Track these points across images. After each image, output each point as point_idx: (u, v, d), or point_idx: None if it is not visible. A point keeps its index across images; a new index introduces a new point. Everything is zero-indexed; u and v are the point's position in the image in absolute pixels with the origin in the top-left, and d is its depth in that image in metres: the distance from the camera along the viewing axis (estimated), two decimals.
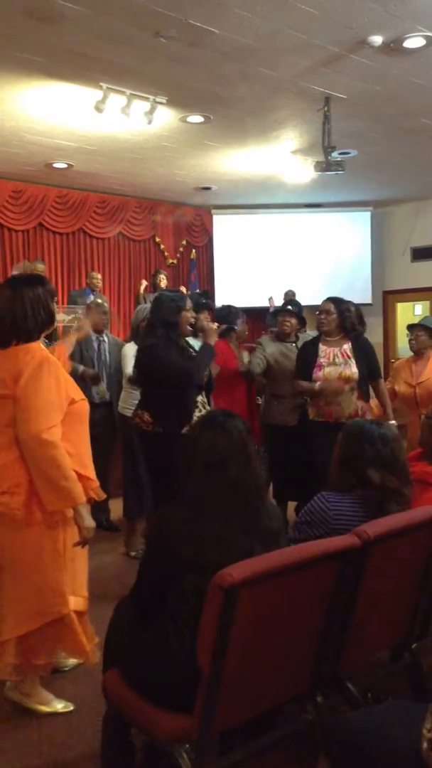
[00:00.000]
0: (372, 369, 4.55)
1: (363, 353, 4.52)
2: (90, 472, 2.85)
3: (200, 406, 4.03)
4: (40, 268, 8.33)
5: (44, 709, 2.86)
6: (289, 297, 9.11)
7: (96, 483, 2.89)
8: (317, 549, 2.08)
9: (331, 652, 2.27)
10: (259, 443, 5.19)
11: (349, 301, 4.65)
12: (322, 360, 4.47)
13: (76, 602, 2.80)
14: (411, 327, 5.16)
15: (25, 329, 2.73)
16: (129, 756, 2.31)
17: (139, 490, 4.68)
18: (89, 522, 2.72)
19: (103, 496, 2.96)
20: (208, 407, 4.13)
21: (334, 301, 4.56)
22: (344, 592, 2.19)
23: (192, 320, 4.11)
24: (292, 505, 5.06)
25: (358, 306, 4.71)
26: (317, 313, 4.70)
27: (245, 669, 1.98)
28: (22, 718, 2.84)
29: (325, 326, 4.55)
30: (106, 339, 5.35)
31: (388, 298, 11.01)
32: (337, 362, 4.45)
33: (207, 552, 2.06)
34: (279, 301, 8.67)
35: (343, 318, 4.48)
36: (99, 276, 8.85)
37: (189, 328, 4.10)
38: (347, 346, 4.49)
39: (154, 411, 3.94)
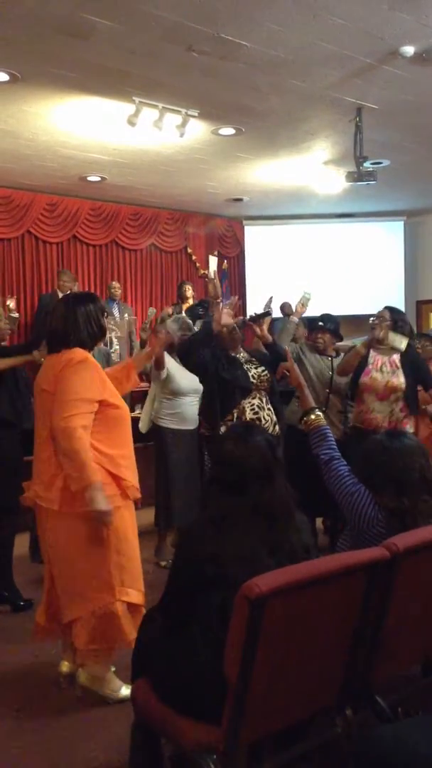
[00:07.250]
0: (424, 380, 4.52)
1: (411, 365, 4.49)
2: (124, 472, 2.94)
3: (257, 409, 4.07)
4: (65, 278, 8.39)
5: (117, 695, 2.97)
6: (286, 309, 9.04)
7: (130, 482, 2.97)
8: (345, 561, 2.06)
9: (361, 666, 2.24)
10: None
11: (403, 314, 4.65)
12: (370, 366, 4.48)
13: (128, 594, 2.91)
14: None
15: (79, 339, 2.92)
16: (157, 765, 2.31)
17: (169, 500, 4.70)
18: (98, 505, 2.75)
19: (139, 495, 3.06)
20: (267, 412, 4.14)
21: (391, 309, 4.56)
22: (373, 604, 2.17)
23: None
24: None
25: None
26: (371, 319, 4.65)
27: (272, 681, 1.97)
28: (54, 721, 2.88)
29: (377, 333, 4.49)
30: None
31: (421, 308, 10.92)
32: (384, 370, 4.45)
33: (230, 570, 2.03)
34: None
35: (395, 327, 4.46)
36: (118, 285, 8.94)
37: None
38: (396, 357, 4.49)
39: (204, 415, 4.40)
